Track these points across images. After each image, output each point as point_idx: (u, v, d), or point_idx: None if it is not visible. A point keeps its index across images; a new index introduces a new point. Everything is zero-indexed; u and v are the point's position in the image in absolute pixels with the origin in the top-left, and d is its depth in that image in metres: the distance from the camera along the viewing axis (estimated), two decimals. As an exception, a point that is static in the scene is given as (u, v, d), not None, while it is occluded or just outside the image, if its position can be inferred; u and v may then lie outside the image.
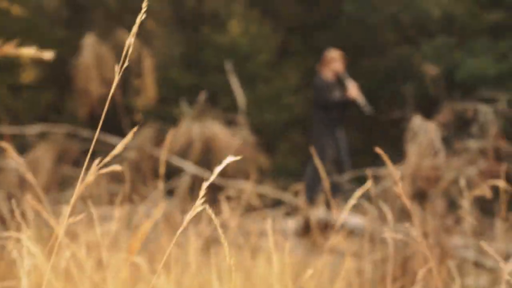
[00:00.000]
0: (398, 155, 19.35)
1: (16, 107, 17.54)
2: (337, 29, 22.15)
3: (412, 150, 5.14)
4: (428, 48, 19.62)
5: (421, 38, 20.60)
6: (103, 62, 7.22)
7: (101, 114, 6.77)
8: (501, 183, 5.30)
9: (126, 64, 6.35)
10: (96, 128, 8.28)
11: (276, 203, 11.40)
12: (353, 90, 8.18)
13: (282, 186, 13.24)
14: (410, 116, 20.79)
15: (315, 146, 8.40)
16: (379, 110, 23.40)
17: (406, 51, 20.18)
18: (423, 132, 5.22)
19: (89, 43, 7.37)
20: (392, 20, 20.50)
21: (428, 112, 22.23)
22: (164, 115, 18.85)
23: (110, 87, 6.57)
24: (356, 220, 7.85)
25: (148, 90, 7.32)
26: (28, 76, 18.87)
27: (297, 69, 21.04)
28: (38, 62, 17.95)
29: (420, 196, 5.47)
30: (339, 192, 8.27)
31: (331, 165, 8.22)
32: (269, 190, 8.08)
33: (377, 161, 18.51)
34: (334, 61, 8.56)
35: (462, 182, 5.48)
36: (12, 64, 17.60)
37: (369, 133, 23.40)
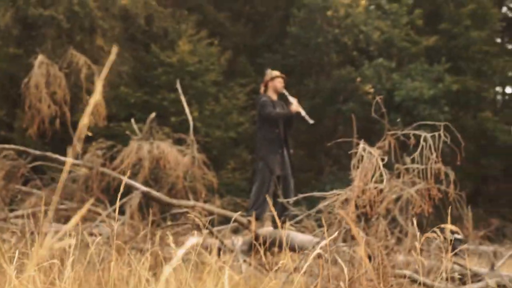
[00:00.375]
0: (341, 172, 20.04)
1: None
2: (282, 50, 22.85)
3: (358, 175, 5.56)
4: (368, 70, 20.40)
5: (362, 60, 21.42)
6: (54, 81, 7.58)
7: (51, 132, 7.22)
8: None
9: (75, 82, 6.84)
10: (47, 145, 8.84)
11: (225, 220, 11.77)
12: (295, 104, 8.58)
13: (230, 203, 13.69)
14: (352, 135, 21.58)
15: (260, 164, 8.79)
16: (324, 128, 24.18)
17: (348, 72, 20.89)
18: (367, 157, 5.64)
19: (40, 62, 7.71)
20: (335, 42, 21.21)
21: (369, 131, 23.12)
22: (114, 132, 19.13)
23: (60, 106, 7.11)
24: (303, 238, 8.10)
25: (98, 109, 7.66)
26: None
27: (244, 88, 21.54)
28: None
29: (365, 218, 5.84)
30: (285, 210, 8.52)
31: (276, 182, 8.44)
32: (217, 208, 8.40)
33: (320, 177, 19.17)
34: (274, 80, 8.98)
35: (404, 202, 6.02)
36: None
37: (312, 151, 24.10)
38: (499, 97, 30.02)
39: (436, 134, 6.07)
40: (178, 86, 10.96)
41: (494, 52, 24.90)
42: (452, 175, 6.06)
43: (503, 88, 30.25)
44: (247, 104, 21.56)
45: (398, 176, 6.23)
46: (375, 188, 5.79)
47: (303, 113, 8.60)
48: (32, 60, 7.85)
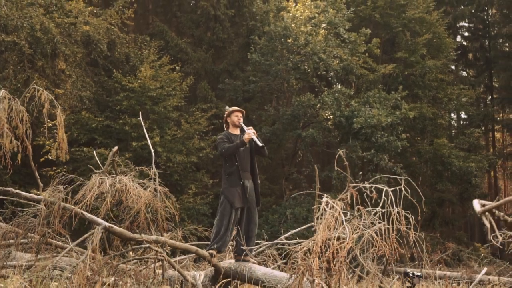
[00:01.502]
0: (301, 196, 20.24)
1: None
2: (243, 76, 23.14)
3: (320, 226, 5.69)
4: (328, 97, 20.78)
5: (321, 87, 21.82)
6: (16, 115, 7.65)
7: (12, 166, 7.29)
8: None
9: (34, 116, 6.95)
10: (8, 180, 8.91)
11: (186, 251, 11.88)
12: (247, 133, 8.74)
13: (192, 232, 13.77)
14: (312, 160, 21.89)
15: (221, 197, 8.92)
16: (285, 152, 24.48)
17: (308, 98, 21.22)
18: (329, 208, 5.81)
19: (2, 97, 7.77)
20: (295, 69, 21.57)
21: (329, 155, 23.49)
22: (75, 157, 19.11)
23: (22, 140, 7.19)
24: (265, 271, 8.23)
25: (61, 143, 7.72)
26: None
27: (206, 113, 21.72)
28: None
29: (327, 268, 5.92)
30: (248, 242, 8.64)
31: (236, 216, 8.56)
32: (179, 242, 8.48)
33: (281, 202, 19.29)
34: (231, 115, 9.18)
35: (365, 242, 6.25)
36: None
37: (273, 176, 24.39)
38: (454, 123, 30.83)
39: (397, 188, 6.33)
40: (140, 118, 11.06)
41: (449, 80, 25.65)
42: (412, 219, 6.26)
43: (458, 114, 31.12)
44: (209, 129, 21.76)
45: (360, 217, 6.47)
46: (338, 241, 5.94)
47: (254, 137, 8.72)
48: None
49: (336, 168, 7.18)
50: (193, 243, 12.63)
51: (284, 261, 11.29)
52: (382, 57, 24.78)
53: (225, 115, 9.43)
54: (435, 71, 24.01)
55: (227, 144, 8.78)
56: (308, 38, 21.35)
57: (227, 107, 9.59)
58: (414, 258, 23.58)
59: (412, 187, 23.81)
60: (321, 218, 5.71)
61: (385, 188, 6.26)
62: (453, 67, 31.57)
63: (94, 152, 10.21)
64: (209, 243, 8.82)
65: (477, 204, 4.69)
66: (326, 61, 21.02)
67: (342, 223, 5.66)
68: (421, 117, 23.53)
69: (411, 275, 6.39)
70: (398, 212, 6.33)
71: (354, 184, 6.43)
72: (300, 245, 5.86)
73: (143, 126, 10.70)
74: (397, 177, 6.62)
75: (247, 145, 8.88)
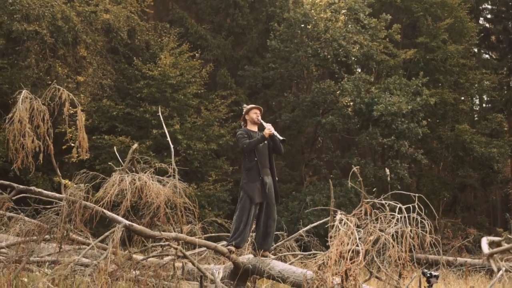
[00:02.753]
0: (321, 183, 20.23)
1: None
2: (263, 63, 23.11)
3: (334, 243, 5.76)
4: (347, 83, 20.70)
5: (341, 74, 21.72)
6: (37, 115, 7.75)
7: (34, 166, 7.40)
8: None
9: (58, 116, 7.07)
10: (31, 179, 9.08)
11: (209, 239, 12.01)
12: (267, 128, 8.82)
13: (210, 221, 13.89)
14: (330, 146, 21.86)
15: (241, 192, 9.00)
16: (305, 139, 24.49)
17: (327, 85, 21.17)
18: (344, 225, 5.87)
19: (24, 97, 7.86)
20: (315, 56, 21.50)
21: (349, 142, 23.46)
22: (97, 144, 19.28)
23: (44, 139, 7.30)
24: (283, 267, 8.32)
25: (81, 142, 7.82)
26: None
27: (225, 100, 21.77)
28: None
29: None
30: (267, 237, 8.72)
31: (256, 211, 8.64)
32: (198, 239, 8.56)
33: (301, 188, 19.29)
34: (249, 113, 9.25)
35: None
36: None
37: (293, 162, 24.41)
38: (476, 108, 30.50)
39: (411, 205, 6.41)
40: (160, 113, 11.13)
41: (471, 65, 25.36)
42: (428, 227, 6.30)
43: (481, 99, 30.77)
44: (228, 116, 21.79)
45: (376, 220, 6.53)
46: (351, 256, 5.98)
47: (274, 132, 8.81)
48: (16, 95, 8.01)
49: (350, 184, 7.18)
50: (212, 234, 12.78)
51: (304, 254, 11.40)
52: (403, 42, 24.59)
53: (243, 113, 9.50)
54: (456, 56, 23.75)
55: (248, 140, 8.87)
56: (328, 24, 21.25)
57: (245, 105, 9.67)
58: (435, 245, 23.53)
59: (433, 173, 23.66)
60: (335, 236, 5.74)
61: (398, 205, 6.29)
62: (475, 50, 31.20)
63: (115, 148, 10.24)
64: (229, 236, 8.94)
65: (485, 245, 4.73)
66: (346, 47, 20.92)
67: (356, 239, 5.69)
68: (442, 102, 23.34)
69: (428, 275, 6.40)
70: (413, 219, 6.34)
71: (368, 200, 6.43)
72: (315, 258, 5.90)
73: (162, 121, 10.74)
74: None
75: (266, 141, 8.96)
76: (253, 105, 9.55)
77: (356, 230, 6.07)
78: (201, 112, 21.05)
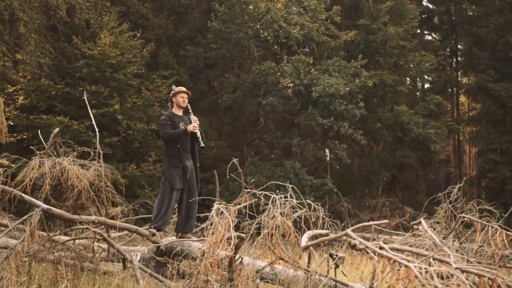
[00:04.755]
0: (262, 163, 20.39)
1: None
2: (205, 43, 23.09)
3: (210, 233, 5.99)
4: (287, 65, 20.89)
5: (282, 55, 21.89)
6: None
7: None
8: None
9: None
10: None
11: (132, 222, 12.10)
12: (193, 125, 8.89)
13: (141, 203, 13.98)
14: (271, 127, 22.02)
15: (162, 178, 9.13)
16: (246, 120, 24.62)
17: (268, 66, 21.30)
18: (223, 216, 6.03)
19: None
20: (256, 37, 21.60)
21: (289, 123, 23.67)
22: (35, 124, 19.06)
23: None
24: (200, 245, 8.38)
25: (0, 126, 7.79)
26: None
27: (167, 80, 21.71)
28: None
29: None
30: (188, 220, 8.88)
31: (177, 195, 8.78)
32: (118, 222, 8.63)
33: (242, 168, 19.49)
34: (176, 96, 9.29)
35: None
36: None
37: (234, 142, 24.57)
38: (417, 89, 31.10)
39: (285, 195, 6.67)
40: (85, 97, 11.08)
41: (411, 47, 25.85)
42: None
43: (422, 81, 31.41)
44: (169, 97, 21.71)
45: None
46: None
47: (198, 134, 8.95)
48: None
49: (230, 174, 7.40)
50: (143, 216, 12.87)
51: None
52: (345, 24, 24.92)
53: (170, 95, 9.55)
54: (396, 38, 24.17)
55: (170, 128, 8.97)
56: (269, 5, 21.34)
57: (173, 87, 9.71)
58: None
59: (373, 153, 24.12)
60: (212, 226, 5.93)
61: (273, 196, 6.52)
62: (418, 30, 31.75)
63: (39, 132, 10.18)
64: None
65: (304, 238, 5.00)
66: (286, 28, 21.07)
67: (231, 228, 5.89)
68: (382, 84, 23.77)
69: (334, 256, 6.64)
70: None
71: (248, 190, 6.63)
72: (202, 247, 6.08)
73: (87, 103, 10.72)
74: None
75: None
76: (182, 88, 9.61)
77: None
78: (142, 92, 20.96)
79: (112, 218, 9.86)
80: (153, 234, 8.56)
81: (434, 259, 4.33)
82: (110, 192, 9.02)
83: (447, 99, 33.10)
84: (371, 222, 6.43)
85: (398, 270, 4.07)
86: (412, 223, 7.76)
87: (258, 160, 22.61)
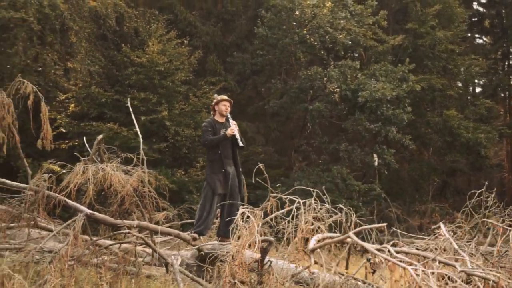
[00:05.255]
0: (310, 168, 20.35)
1: None
2: (252, 49, 23.23)
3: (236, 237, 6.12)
4: (334, 70, 20.84)
5: (329, 60, 21.84)
6: (2, 108, 7.94)
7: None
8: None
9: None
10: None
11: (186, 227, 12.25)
12: (232, 128, 9.05)
13: (188, 210, 14.11)
14: (318, 132, 21.97)
15: (204, 183, 9.29)
16: (294, 125, 24.63)
17: (315, 71, 21.27)
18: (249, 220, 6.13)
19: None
20: (302, 43, 21.63)
21: (337, 128, 23.56)
22: (85, 131, 19.48)
23: (9, 131, 7.53)
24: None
25: (46, 134, 8.03)
26: None
27: (214, 86, 21.91)
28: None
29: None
30: (230, 224, 8.91)
31: (219, 201, 8.92)
32: (160, 227, 8.76)
33: (290, 174, 19.39)
34: (219, 104, 9.46)
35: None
36: None
37: (282, 148, 24.61)
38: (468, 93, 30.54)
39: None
40: (129, 104, 11.33)
41: (460, 51, 25.44)
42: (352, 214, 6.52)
43: (473, 85, 30.84)
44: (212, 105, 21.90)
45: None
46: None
47: (237, 135, 9.08)
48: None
49: (257, 179, 7.47)
50: (188, 221, 13.00)
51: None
52: (394, 27, 24.70)
53: (212, 103, 9.73)
54: (445, 42, 23.85)
55: (211, 135, 9.15)
56: (315, 11, 21.33)
57: (215, 95, 9.92)
58: (422, 228, 23.83)
59: (422, 158, 23.73)
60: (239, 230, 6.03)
61: (297, 200, 6.57)
62: (469, 34, 31.22)
63: (84, 139, 10.43)
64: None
65: (313, 241, 5.02)
66: (333, 34, 21.03)
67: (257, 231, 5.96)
68: (430, 88, 23.47)
69: (371, 262, 6.64)
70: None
71: (275, 195, 6.71)
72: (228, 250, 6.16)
73: (131, 111, 10.96)
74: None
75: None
76: (224, 97, 9.79)
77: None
78: (190, 99, 21.21)
79: (157, 223, 10.03)
80: (195, 239, 8.71)
81: (440, 262, 4.37)
82: (153, 197, 9.17)
83: (499, 103, 32.38)
84: (371, 225, 6.45)
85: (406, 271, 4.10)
86: (433, 227, 7.70)
87: (306, 166, 22.58)
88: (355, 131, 21.33)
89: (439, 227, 6.10)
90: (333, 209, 6.84)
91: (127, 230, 8.13)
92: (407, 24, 23.67)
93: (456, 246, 5.11)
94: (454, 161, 25.33)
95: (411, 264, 4.06)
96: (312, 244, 5.21)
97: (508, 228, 5.94)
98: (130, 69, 20.59)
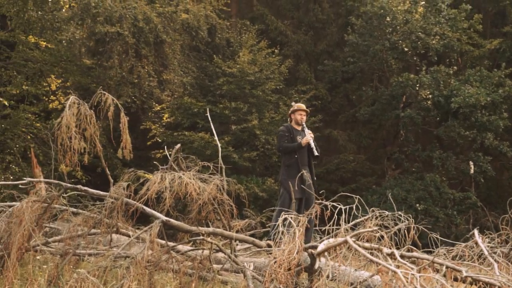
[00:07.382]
0: (402, 176, 20.02)
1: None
2: (343, 57, 23.13)
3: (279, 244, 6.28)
4: (426, 77, 20.41)
5: (421, 66, 21.40)
6: (84, 119, 8.29)
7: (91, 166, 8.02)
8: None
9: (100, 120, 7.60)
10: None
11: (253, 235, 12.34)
12: (307, 138, 9.14)
13: (269, 217, 14.19)
14: (411, 140, 21.55)
15: (280, 189, 9.38)
16: (386, 132, 24.27)
17: (406, 78, 20.91)
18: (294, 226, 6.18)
19: (72, 102, 8.41)
20: (393, 49, 21.32)
21: (429, 135, 23.00)
22: (178, 140, 20.03)
23: (91, 141, 7.89)
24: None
25: (125, 144, 8.33)
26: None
27: (305, 95, 21.99)
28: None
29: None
30: (306, 232, 8.92)
31: (295, 206, 8.96)
32: (235, 234, 8.88)
33: (381, 182, 19.17)
34: (295, 113, 9.56)
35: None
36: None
37: (374, 156, 24.30)
38: None
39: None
40: (208, 114, 11.59)
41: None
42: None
43: None
44: (308, 110, 21.96)
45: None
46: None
47: (312, 144, 9.12)
48: (66, 101, 8.63)
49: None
50: (268, 229, 13.07)
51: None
52: (492, 31, 23.87)
53: (289, 111, 9.83)
54: (545, 45, 22.80)
55: (286, 141, 9.25)
56: (407, 16, 20.97)
57: (293, 103, 10.03)
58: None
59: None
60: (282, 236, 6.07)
61: (339, 206, 6.51)
62: None
63: (165, 147, 10.72)
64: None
65: (321, 246, 4.94)
66: (425, 39, 20.61)
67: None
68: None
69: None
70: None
71: (320, 201, 6.67)
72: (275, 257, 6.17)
73: (210, 120, 11.21)
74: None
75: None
76: (301, 106, 9.86)
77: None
78: (280, 108, 21.38)
79: (238, 231, 10.16)
80: (270, 245, 8.76)
81: (447, 267, 4.33)
82: (229, 205, 9.30)
83: None
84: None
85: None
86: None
87: (399, 174, 22.20)
88: (450, 138, 20.77)
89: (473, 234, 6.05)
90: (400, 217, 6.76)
91: (201, 237, 8.29)
92: (505, 28, 22.81)
93: (486, 253, 5.07)
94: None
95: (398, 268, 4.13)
96: (320, 248, 5.29)
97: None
98: (221, 79, 21.03)
